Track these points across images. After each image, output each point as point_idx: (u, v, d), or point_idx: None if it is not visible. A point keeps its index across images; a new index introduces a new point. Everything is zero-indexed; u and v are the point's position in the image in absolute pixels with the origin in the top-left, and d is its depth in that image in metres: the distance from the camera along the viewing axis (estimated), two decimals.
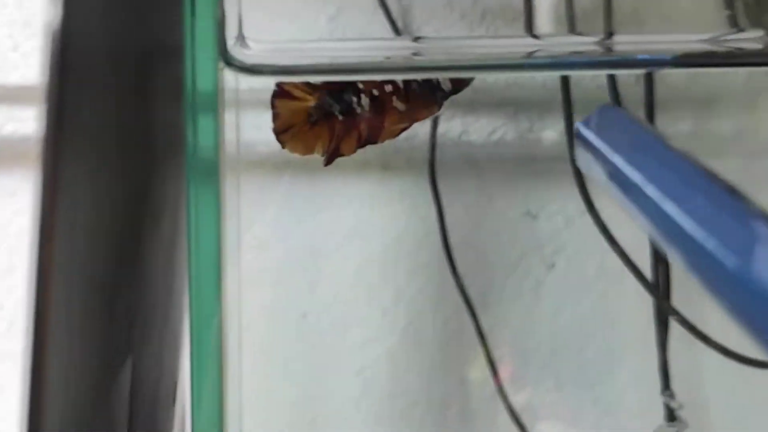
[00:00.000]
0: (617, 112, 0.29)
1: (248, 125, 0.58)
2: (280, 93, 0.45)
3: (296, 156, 0.58)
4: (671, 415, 0.56)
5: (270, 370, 0.61)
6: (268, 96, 0.58)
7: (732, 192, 0.23)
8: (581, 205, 0.53)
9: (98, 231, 0.41)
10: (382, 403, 0.62)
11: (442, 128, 0.58)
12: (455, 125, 0.58)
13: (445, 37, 0.56)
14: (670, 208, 0.24)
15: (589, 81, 0.56)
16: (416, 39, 0.51)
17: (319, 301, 0.61)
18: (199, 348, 0.36)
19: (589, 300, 0.60)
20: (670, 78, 0.56)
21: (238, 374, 0.45)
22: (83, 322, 0.40)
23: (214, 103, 0.33)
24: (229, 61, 0.35)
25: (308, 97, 0.45)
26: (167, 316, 0.36)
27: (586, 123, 0.29)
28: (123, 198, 0.43)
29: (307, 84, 0.45)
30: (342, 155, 0.47)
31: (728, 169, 0.58)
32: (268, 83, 0.58)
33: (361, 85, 0.45)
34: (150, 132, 0.43)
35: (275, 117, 0.46)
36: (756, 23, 0.49)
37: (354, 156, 0.59)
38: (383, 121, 0.46)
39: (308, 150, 0.47)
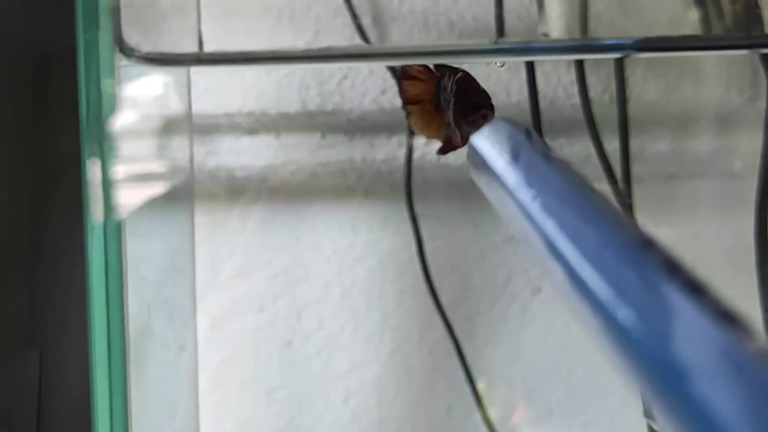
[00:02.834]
0: (507, 126, 0.29)
1: (226, 151, 0.58)
2: (405, 75, 0.44)
3: (276, 181, 0.59)
4: None
5: (255, 399, 0.61)
6: (244, 120, 0.58)
7: (595, 201, 0.23)
8: None
9: None
10: (369, 430, 0.61)
11: (420, 152, 0.58)
12: (433, 149, 0.58)
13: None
14: (535, 212, 0.24)
15: (563, 100, 0.56)
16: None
17: (304, 329, 0.61)
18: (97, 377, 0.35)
19: (576, 324, 0.60)
20: (645, 96, 0.56)
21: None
22: None
23: (111, 94, 0.33)
24: (125, 51, 0.34)
25: (431, 80, 0.45)
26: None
27: (478, 135, 0.30)
28: (13, 199, 0.42)
29: (426, 68, 0.44)
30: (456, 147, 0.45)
31: (708, 189, 0.57)
32: (243, 107, 0.58)
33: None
34: (52, 131, 0.43)
35: (402, 92, 0.45)
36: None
37: (336, 181, 0.59)
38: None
39: (432, 130, 0.45)
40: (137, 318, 0.39)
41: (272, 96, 0.58)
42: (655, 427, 0.55)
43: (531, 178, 0.25)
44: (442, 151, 0.45)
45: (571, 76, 0.55)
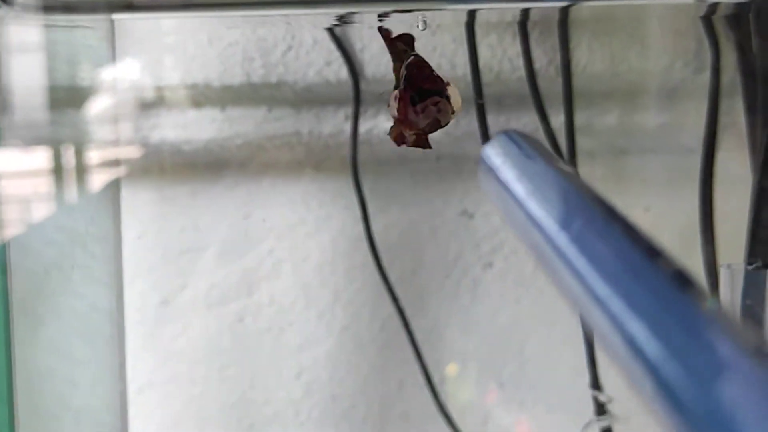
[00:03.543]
0: (517, 137, 0.29)
1: (171, 124, 0.57)
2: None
3: (223, 155, 0.58)
4: (601, 409, 0.56)
5: (207, 375, 0.61)
6: (189, 93, 0.58)
7: (605, 214, 0.23)
8: None
9: None
10: (322, 405, 0.61)
11: (368, 125, 0.58)
12: (381, 122, 0.57)
13: None
14: (546, 224, 0.24)
15: (509, 73, 0.56)
16: None
17: (255, 305, 0.60)
18: None
19: (528, 298, 0.60)
20: (591, 68, 0.56)
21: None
22: None
23: None
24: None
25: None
26: None
27: (490, 146, 0.30)
28: None
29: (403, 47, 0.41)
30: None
31: (658, 162, 0.58)
32: (186, 80, 0.57)
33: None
34: None
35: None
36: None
37: (285, 155, 0.59)
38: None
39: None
40: (29, 279, 0.38)
41: (215, 68, 0.57)
42: (601, 398, 0.55)
43: (540, 190, 0.25)
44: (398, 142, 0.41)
45: (517, 48, 0.55)
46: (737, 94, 0.51)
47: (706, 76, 0.53)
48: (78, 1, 0.34)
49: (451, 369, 0.60)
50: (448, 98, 0.38)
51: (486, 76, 0.55)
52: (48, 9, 0.34)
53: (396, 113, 0.39)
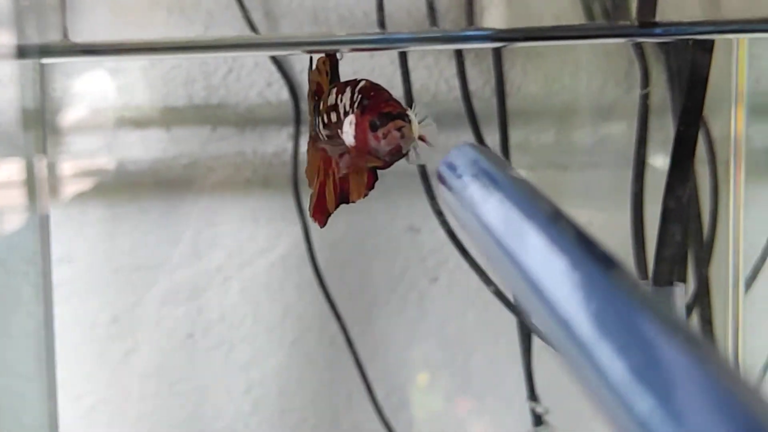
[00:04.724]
0: (471, 149, 0.30)
1: (118, 144, 0.58)
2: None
3: (170, 174, 0.59)
4: (538, 420, 0.57)
5: (157, 392, 0.61)
6: (134, 114, 0.58)
7: (558, 223, 0.24)
8: None
9: None
10: (271, 420, 0.62)
11: None
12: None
13: None
14: (497, 230, 0.25)
15: (446, 94, 0.58)
16: None
17: (205, 321, 0.61)
18: None
19: (473, 312, 0.61)
20: (526, 88, 0.58)
21: None
22: None
23: None
24: None
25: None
26: None
27: (447, 158, 0.30)
28: None
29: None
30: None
31: (599, 178, 0.59)
32: (131, 102, 0.58)
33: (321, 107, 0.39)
34: None
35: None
36: None
37: (234, 173, 0.60)
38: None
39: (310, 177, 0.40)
40: None
41: (159, 90, 0.58)
42: (538, 409, 0.56)
43: (494, 197, 0.26)
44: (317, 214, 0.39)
45: (453, 69, 0.56)
46: (669, 111, 0.53)
47: (637, 95, 0.54)
48: (52, 45, 0.35)
49: (421, 378, 0.61)
50: (410, 122, 0.35)
51: (424, 96, 0.57)
52: (22, 54, 0.34)
53: (353, 140, 0.35)
